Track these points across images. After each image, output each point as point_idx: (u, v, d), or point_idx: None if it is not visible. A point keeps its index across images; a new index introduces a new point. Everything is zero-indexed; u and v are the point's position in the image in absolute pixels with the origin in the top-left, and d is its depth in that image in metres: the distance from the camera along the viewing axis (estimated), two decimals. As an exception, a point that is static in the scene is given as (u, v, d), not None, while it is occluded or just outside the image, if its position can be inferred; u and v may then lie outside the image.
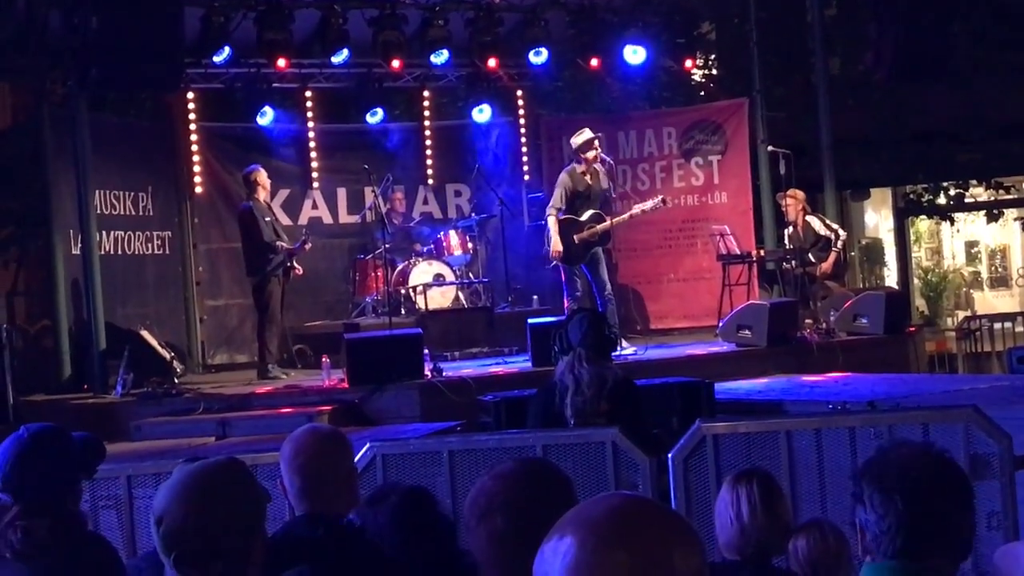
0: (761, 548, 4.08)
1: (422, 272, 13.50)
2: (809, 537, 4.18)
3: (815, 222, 13.52)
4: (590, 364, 6.47)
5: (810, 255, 13.45)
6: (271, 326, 12.20)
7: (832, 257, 13.47)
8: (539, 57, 14.20)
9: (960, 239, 23.24)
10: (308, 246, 12.38)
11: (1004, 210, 20.94)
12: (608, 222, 11.98)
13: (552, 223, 11.92)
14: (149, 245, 13.88)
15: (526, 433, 6.39)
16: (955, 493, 2.52)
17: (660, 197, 12.86)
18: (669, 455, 5.89)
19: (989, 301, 22.57)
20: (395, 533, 3.55)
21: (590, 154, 11.95)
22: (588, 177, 12.01)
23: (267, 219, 12.24)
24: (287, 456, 3.71)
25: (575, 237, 11.90)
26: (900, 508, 2.46)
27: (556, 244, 11.87)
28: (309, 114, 14.94)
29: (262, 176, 12.41)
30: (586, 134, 12.05)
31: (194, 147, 14.40)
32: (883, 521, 2.47)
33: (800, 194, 13.57)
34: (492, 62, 14.11)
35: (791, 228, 13.64)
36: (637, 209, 12.51)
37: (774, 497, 4.18)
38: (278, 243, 12.12)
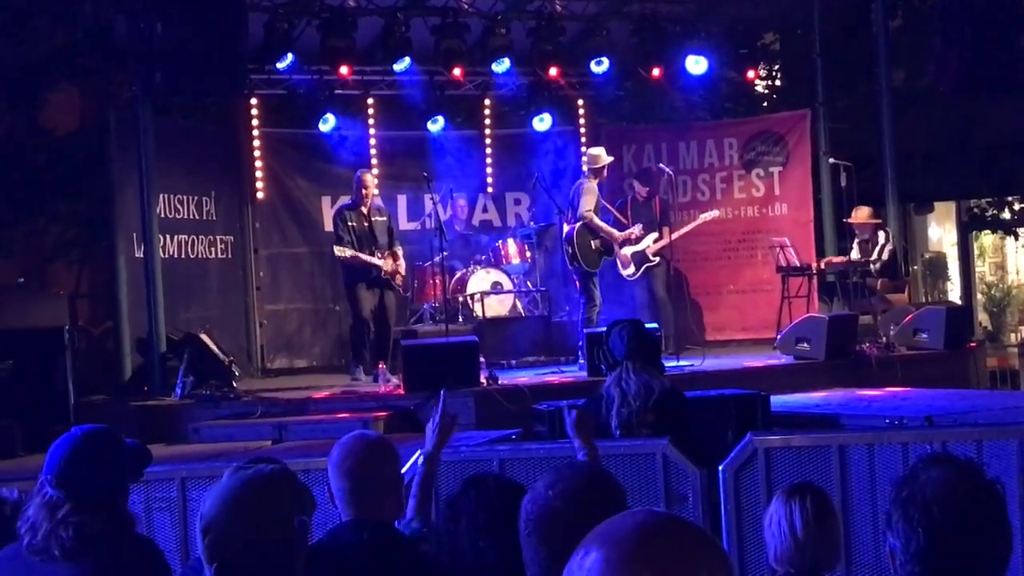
0: (815, 563, 4.07)
1: (480, 280, 13.53)
2: None
3: (881, 237, 13.41)
4: (637, 375, 6.45)
5: (871, 266, 13.34)
6: (358, 327, 12.27)
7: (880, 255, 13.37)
8: (600, 66, 14.21)
9: (1025, 254, 22.95)
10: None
11: (1069, 225, 20.67)
12: (630, 230, 12.97)
13: (596, 220, 12.68)
14: (212, 249, 13.96)
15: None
16: (983, 523, 2.48)
17: (636, 226, 13.07)
18: (720, 467, 5.87)
19: (1054, 317, 22.26)
20: (484, 519, 3.52)
21: (604, 172, 12.89)
22: None
23: (352, 224, 12.17)
24: (334, 461, 3.75)
25: (592, 243, 12.67)
26: (921, 539, 2.44)
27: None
28: (371, 121, 14.97)
29: (367, 178, 12.47)
30: (606, 156, 12.93)
31: (256, 152, 14.51)
32: (906, 550, 2.46)
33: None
34: (553, 71, 14.16)
35: (866, 234, 13.53)
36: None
37: (827, 512, 4.17)
38: (337, 249, 12.09)
